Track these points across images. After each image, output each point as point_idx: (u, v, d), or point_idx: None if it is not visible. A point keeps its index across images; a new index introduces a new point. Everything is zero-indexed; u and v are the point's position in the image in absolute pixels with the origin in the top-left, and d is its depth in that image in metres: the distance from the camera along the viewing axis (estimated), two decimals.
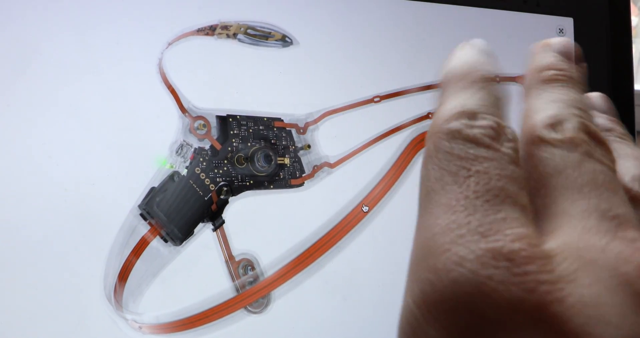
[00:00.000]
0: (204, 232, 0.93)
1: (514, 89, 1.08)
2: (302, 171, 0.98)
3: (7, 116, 0.88)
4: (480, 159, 0.37)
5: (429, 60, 1.08)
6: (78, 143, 0.90)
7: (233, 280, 0.93)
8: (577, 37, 1.17)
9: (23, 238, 0.87)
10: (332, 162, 1.00)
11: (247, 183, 0.95)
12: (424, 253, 0.36)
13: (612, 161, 0.40)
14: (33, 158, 0.88)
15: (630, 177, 0.46)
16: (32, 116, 0.89)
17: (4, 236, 0.86)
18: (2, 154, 0.87)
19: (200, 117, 0.94)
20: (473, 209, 0.35)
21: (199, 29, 0.97)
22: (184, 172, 0.92)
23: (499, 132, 0.39)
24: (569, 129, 0.39)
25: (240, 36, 0.98)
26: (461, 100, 0.41)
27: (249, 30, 0.99)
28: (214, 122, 0.95)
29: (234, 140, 0.95)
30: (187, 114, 0.94)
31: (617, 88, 1.19)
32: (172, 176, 0.92)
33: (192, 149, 0.93)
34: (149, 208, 0.90)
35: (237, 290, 0.93)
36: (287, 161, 0.97)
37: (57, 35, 0.91)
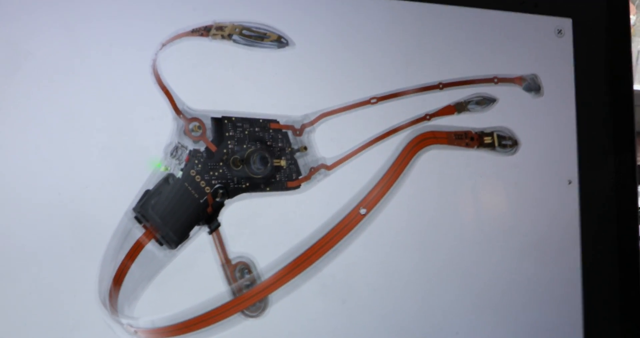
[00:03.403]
0: (200, 235, 0.92)
1: (512, 91, 1.06)
2: (299, 173, 0.97)
3: None
4: None
5: (426, 61, 1.07)
6: (71, 145, 0.89)
7: (229, 283, 0.92)
8: (576, 38, 1.16)
9: (16, 242, 0.86)
10: (329, 164, 0.99)
11: (243, 186, 0.94)
12: None
13: None
14: (26, 162, 0.87)
15: None
16: (24, 119, 0.88)
17: None
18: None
19: (195, 119, 0.92)
20: None
21: (193, 29, 0.96)
22: (179, 174, 0.90)
23: None
24: None
25: (235, 37, 0.97)
26: None
27: (244, 31, 0.97)
28: (209, 124, 0.93)
29: (229, 142, 0.93)
30: (181, 115, 0.92)
31: (616, 88, 1.18)
32: (167, 179, 0.90)
33: (187, 152, 0.91)
34: (143, 211, 0.88)
35: (234, 294, 0.92)
36: (283, 163, 0.96)
37: (49, 36, 0.90)
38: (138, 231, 0.89)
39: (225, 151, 0.93)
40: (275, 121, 0.97)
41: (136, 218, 0.89)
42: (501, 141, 1.07)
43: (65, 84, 0.89)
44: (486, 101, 1.07)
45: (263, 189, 0.95)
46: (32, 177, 0.87)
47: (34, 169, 0.87)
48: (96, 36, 0.92)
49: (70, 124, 0.89)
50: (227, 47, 0.96)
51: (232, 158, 0.92)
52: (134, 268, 0.89)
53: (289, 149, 0.97)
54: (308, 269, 0.95)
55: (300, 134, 0.98)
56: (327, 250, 0.96)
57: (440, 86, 1.06)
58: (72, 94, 0.89)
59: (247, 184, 0.94)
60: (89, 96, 0.90)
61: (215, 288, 0.92)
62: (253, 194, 0.94)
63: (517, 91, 1.09)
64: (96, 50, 0.91)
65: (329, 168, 0.99)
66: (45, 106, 0.88)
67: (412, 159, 1.02)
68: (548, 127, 1.12)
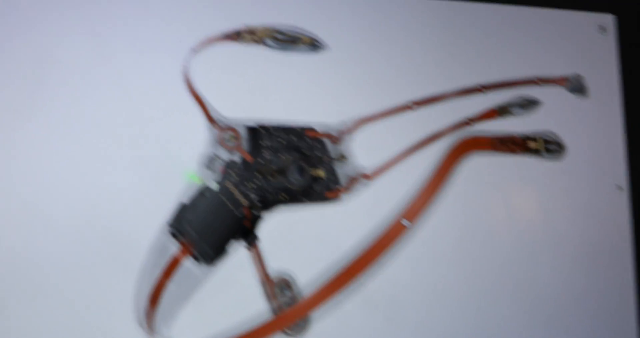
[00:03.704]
0: (238, 251, 0.90)
1: (556, 92, 1.04)
2: (338, 183, 0.94)
3: (28, 131, 0.86)
4: None
5: (465, 62, 1.05)
6: (103, 158, 0.88)
7: (270, 301, 0.89)
8: (621, 36, 1.12)
9: (48, 260, 0.85)
10: (369, 173, 0.96)
11: (281, 198, 0.91)
12: None
13: None
14: (56, 175, 0.86)
15: None
16: (55, 131, 0.87)
17: (29, 257, 0.84)
18: (25, 171, 0.86)
19: (229, 128, 0.91)
20: None
21: (224, 34, 0.94)
22: (215, 187, 0.88)
23: None
24: None
25: (267, 41, 0.95)
26: None
27: (276, 35, 0.95)
28: (244, 133, 0.91)
29: (265, 152, 0.91)
30: (215, 125, 0.90)
31: None
32: (203, 192, 0.88)
33: (223, 163, 0.89)
34: (179, 226, 0.86)
35: (274, 312, 0.89)
36: (321, 173, 0.93)
37: (77, 45, 0.89)
38: (174, 247, 0.87)
39: (261, 161, 0.90)
40: (312, 129, 0.95)
41: (172, 233, 0.87)
42: (547, 146, 1.04)
43: (94, 94, 0.88)
44: (530, 104, 1.04)
45: (301, 201, 0.92)
46: (63, 190, 0.86)
47: (65, 182, 0.86)
48: (125, 43, 0.91)
49: (101, 136, 0.88)
50: (260, 51, 0.95)
51: (269, 169, 0.90)
52: (171, 286, 0.86)
53: (327, 158, 0.94)
54: (350, 285, 0.91)
55: (338, 142, 0.96)
56: (370, 264, 0.93)
57: (482, 88, 1.03)
58: (102, 105, 0.89)
59: (285, 196, 0.91)
60: (119, 106, 0.89)
61: (255, 306, 0.89)
62: (291, 206, 0.92)
63: (561, 92, 1.06)
64: (125, 57, 0.90)
65: (369, 177, 0.96)
66: (75, 118, 0.88)
67: (455, 167, 0.99)
68: (595, 130, 1.08)
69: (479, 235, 1.01)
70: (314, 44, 0.97)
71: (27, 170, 0.86)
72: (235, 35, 0.94)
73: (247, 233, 0.90)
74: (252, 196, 0.89)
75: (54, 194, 0.86)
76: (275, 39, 0.95)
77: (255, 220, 0.90)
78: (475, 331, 0.98)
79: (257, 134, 0.91)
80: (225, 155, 0.90)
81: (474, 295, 0.99)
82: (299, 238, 0.94)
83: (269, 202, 0.90)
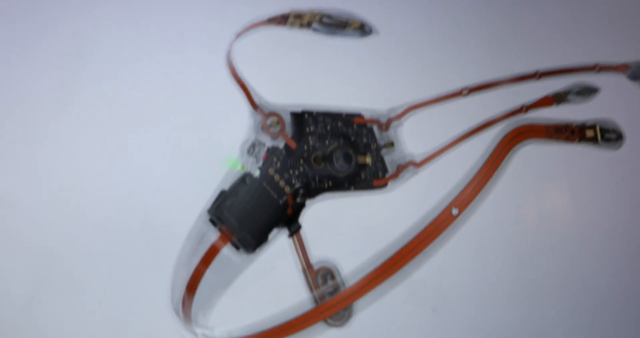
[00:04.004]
0: (279, 239, 0.88)
1: (615, 80, 1.01)
2: (385, 171, 0.92)
3: (64, 118, 0.86)
4: None
5: (521, 48, 1.01)
6: (141, 144, 0.87)
7: (311, 290, 0.87)
8: None
9: (84, 248, 0.84)
10: (417, 161, 0.93)
11: (326, 185, 0.89)
12: None
13: None
14: (93, 162, 0.86)
15: None
16: (91, 118, 0.86)
17: (64, 247, 0.83)
18: (60, 159, 0.85)
19: (273, 113, 0.88)
20: None
21: (269, 18, 0.92)
22: (257, 173, 0.86)
23: None
24: None
25: (315, 25, 0.91)
26: None
27: (324, 19, 0.92)
28: (288, 119, 0.89)
29: (310, 138, 0.88)
30: (258, 110, 0.89)
31: None
32: (244, 178, 0.86)
33: (265, 149, 0.87)
34: (219, 213, 0.84)
35: (316, 301, 0.87)
36: (368, 160, 0.90)
37: (116, 29, 0.88)
38: (213, 235, 0.85)
39: (306, 147, 0.88)
40: (360, 115, 0.92)
41: (211, 220, 0.85)
42: (604, 135, 0.99)
43: (134, 79, 0.87)
44: (587, 91, 1.00)
45: (347, 189, 0.90)
46: (99, 178, 0.85)
47: (101, 169, 0.85)
48: (165, 27, 0.90)
49: (140, 121, 0.87)
50: (306, 36, 0.92)
51: (313, 156, 0.87)
52: (209, 274, 0.85)
53: (375, 145, 0.92)
54: (396, 274, 0.88)
55: (386, 129, 0.93)
56: (417, 254, 0.89)
57: (538, 75, 0.99)
58: (141, 90, 0.88)
59: (330, 183, 0.88)
60: (159, 92, 0.88)
61: (296, 296, 0.87)
62: (336, 194, 0.90)
63: (620, 80, 1.02)
64: (166, 42, 0.89)
65: (418, 165, 0.93)
66: (112, 104, 0.87)
67: (508, 155, 0.95)
68: None
69: (530, 225, 0.97)
70: (363, 29, 0.93)
71: (64, 158, 0.85)
72: (282, 20, 0.92)
73: (289, 221, 0.87)
74: (296, 183, 0.87)
75: (90, 182, 0.86)
76: (323, 23, 0.92)
77: (298, 207, 0.88)
78: (523, 324, 0.95)
79: (302, 120, 0.89)
80: (268, 141, 0.88)
81: (523, 288, 0.96)
82: (343, 227, 0.92)
83: (313, 189, 0.88)
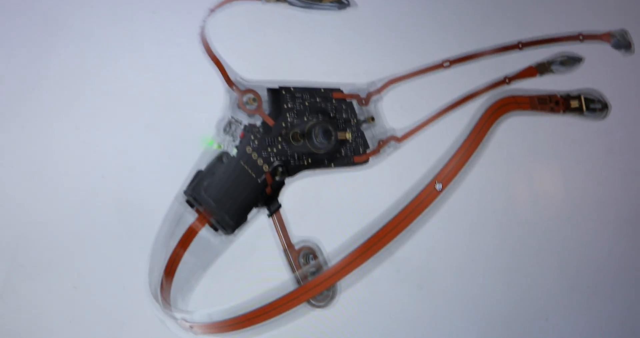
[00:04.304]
0: (259, 219, 0.86)
1: (599, 48, 1.00)
2: (366, 147, 0.90)
3: (34, 99, 0.82)
4: None
5: (504, 18, 0.99)
6: (114, 124, 0.83)
7: (293, 270, 0.85)
8: None
9: (57, 232, 0.80)
10: (399, 135, 0.92)
11: (305, 162, 0.87)
12: None
13: None
14: (65, 144, 0.82)
15: None
16: (62, 98, 0.83)
17: (38, 231, 0.80)
18: (30, 141, 0.81)
19: (249, 90, 0.86)
20: None
21: None
22: (234, 152, 0.84)
23: None
24: None
25: None
26: None
27: None
28: (265, 95, 0.87)
29: (288, 114, 0.86)
30: (234, 87, 0.86)
31: None
32: (221, 157, 0.84)
33: (242, 127, 0.85)
34: (195, 193, 0.82)
35: (298, 282, 0.85)
36: (348, 136, 0.89)
37: (88, 7, 0.85)
38: (190, 216, 0.83)
39: (284, 124, 0.86)
40: (339, 90, 0.90)
41: (188, 201, 0.83)
42: (589, 105, 0.99)
43: (105, 58, 0.84)
44: (571, 61, 0.99)
45: (327, 166, 0.88)
46: (71, 159, 0.82)
47: (73, 150, 0.82)
48: (138, 4, 0.87)
49: (112, 101, 0.84)
50: (282, 10, 0.90)
51: (291, 132, 0.86)
52: (187, 256, 0.83)
53: (355, 120, 0.90)
54: (380, 252, 0.88)
55: (366, 104, 0.92)
56: (401, 230, 0.88)
57: (520, 45, 0.98)
58: (113, 69, 0.84)
59: (309, 160, 0.87)
60: (132, 70, 0.85)
61: (277, 277, 0.85)
62: (316, 171, 0.88)
63: (605, 48, 1.01)
64: (139, 17, 0.86)
65: (399, 139, 0.92)
66: (84, 83, 0.83)
67: (491, 128, 0.94)
68: None
69: (516, 199, 0.96)
70: (340, 1, 0.92)
71: (35, 140, 0.82)
72: None
73: (268, 201, 0.86)
74: (274, 161, 0.85)
75: (63, 165, 0.82)
76: None
77: (277, 186, 0.86)
78: (512, 299, 0.94)
79: (279, 96, 0.87)
80: (245, 119, 0.86)
81: (511, 262, 0.95)
82: (324, 205, 0.89)
83: (292, 167, 0.86)
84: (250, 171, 0.84)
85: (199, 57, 0.87)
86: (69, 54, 0.83)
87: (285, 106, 0.87)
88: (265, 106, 0.87)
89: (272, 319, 0.83)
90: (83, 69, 0.83)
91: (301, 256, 0.86)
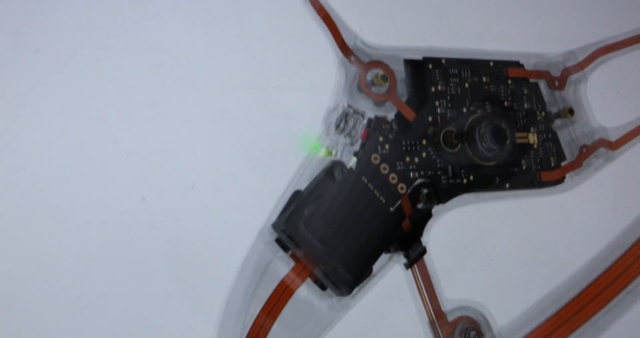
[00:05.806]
0: (391, 270, 0.66)
1: None
2: (561, 157, 0.70)
3: (70, 107, 0.60)
4: None
5: None
6: (165, 126, 0.61)
7: None
8: None
9: (87, 281, 0.59)
10: (613, 140, 0.73)
11: (464, 180, 0.67)
12: None
13: None
14: (102, 157, 0.61)
15: None
16: (100, 102, 0.61)
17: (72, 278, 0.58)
18: (63, 156, 0.59)
19: (376, 62, 0.66)
20: None
21: None
22: (352, 162, 0.64)
23: None
24: None
25: None
26: None
27: None
28: (401, 71, 0.66)
29: (437, 103, 0.66)
30: (352, 58, 0.66)
31: None
32: (331, 171, 0.63)
33: (365, 122, 0.65)
34: (291, 228, 0.61)
35: None
36: (533, 138, 0.69)
37: None
38: (283, 265, 0.63)
39: (431, 119, 0.66)
40: (517, 64, 0.71)
41: (278, 240, 0.63)
42: None
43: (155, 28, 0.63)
44: None
45: (499, 187, 0.69)
46: (102, 177, 0.61)
47: (105, 165, 0.61)
48: None
49: (163, 85, 0.63)
50: None
51: (443, 132, 0.65)
52: (278, 329, 0.62)
53: (543, 113, 0.70)
54: (581, 329, 0.69)
55: (561, 87, 0.72)
56: (616, 294, 0.70)
57: None
58: (167, 41, 0.64)
59: (471, 177, 0.67)
60: (198, 43, 0.64)
61: None
62: (481, 195, 0.69)
63: None
64: None
65: (613, 145, 0.73)
66: (118, 70, 0.62)
67: None
68: None
69: None
70: None
71: (64, 155, 0.60)
72: None
73: (406, 242, 0.65)
74: (416, 177, 0.65)
75: (98, 183, 0.60)
76: None
77: (420, 218, 0.65)
78: None
79: (424, 73, 0.67)
80: (369, 110, 0.66)
81: None
82: (493, 249, 0.70)
83: (444, 188, 0.66)
84: (377, 193, 0.64)
85: (300, 11, 0.67)
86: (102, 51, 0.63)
87: (432, 89, 0.67)
88: (401, 89, 0.67)
89: None
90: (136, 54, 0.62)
91: (457, 333, 0.68)
